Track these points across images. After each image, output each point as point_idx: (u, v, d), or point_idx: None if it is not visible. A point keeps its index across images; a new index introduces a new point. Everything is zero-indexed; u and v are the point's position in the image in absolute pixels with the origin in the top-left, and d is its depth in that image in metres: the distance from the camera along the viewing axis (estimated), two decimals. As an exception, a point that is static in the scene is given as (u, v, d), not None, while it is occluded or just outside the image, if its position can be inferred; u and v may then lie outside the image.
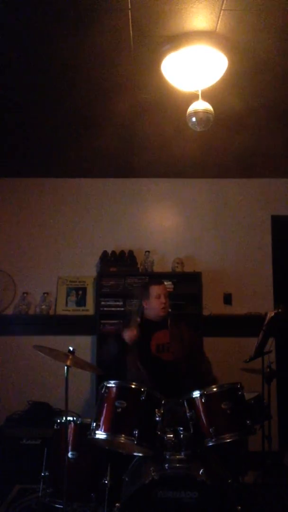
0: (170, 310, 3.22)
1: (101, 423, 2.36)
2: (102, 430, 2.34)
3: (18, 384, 4.35)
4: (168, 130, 3.60)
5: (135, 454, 2.53)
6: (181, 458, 2.32)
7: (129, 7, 2.26)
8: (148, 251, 4.47)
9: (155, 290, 3.16)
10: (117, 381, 2.44)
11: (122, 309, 4.34)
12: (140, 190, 4.71)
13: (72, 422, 2.64)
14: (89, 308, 4.48)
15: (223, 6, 2.24)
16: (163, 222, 4.70)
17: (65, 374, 2.45)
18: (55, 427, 2.73)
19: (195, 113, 2.73)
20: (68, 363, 2.46)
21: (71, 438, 2.60)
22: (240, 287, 4.56)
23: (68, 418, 2.54)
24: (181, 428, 2.40)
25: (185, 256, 4.54)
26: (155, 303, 3.14)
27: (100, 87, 2.98)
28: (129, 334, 2.95)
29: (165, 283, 3.41)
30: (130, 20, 2.35)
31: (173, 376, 2.94)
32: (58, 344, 3.01)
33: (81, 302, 4.50)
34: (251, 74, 2.83)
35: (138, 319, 3.11)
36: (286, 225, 4.69)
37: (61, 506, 2.44)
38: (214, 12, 2.28)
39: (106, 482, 2.52)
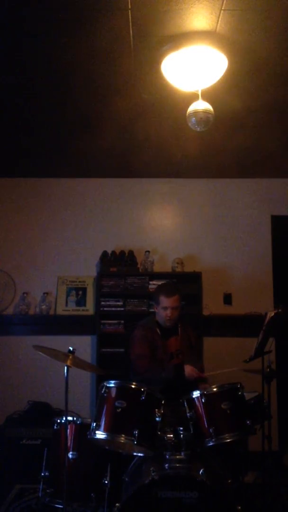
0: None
1: (101, 423, 2.37)
2: (102, 430, 2.35)
3: (18, 384, 4.35)
4: (168, 130, 3.59)
5: (135, 454, 2.53)
6: (181, 458, 2.33)
7: (129, 7, 2.25)
8: (148, 251, 4.47)
9: (164, 302, 3.15)
10: (117, 381, 2.44)
11: (122, 309, 4.34)
12: (140, 190, 4.71)
13: (72, 422, 2.65)
14: (89, 308, 4.48)
15: (223, 6, 2.24)
16: (163, 222, 4.70)
17: (65, 374, 2.46)
18: (55, 427, 2.73)
19: (195, 113, 2.73)
20: (68, 363, 2.46)
21: (71, 438, 2.60)
22: (240, 287, 4.56)
23: (68, 418, 2.54)
24: (181, 428, 2.41)
25: (185, 256, 4.54)
26: (161, 312, 3.17)
27: (100, 87, 2.98)
28: (192, 374, 2.92)
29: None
30: (130, 20, 2.35)
31: (180, 380, 2.93)
32: (58, 344, 3.01)
33: (81, 302, 4.50)
34: (251, 74, 2.82)
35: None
36: (286, 225, 4.69)
37: (61, 506, 2.44)
38: (214, 12, 2.28)
39: (106, 482, 2.52)
